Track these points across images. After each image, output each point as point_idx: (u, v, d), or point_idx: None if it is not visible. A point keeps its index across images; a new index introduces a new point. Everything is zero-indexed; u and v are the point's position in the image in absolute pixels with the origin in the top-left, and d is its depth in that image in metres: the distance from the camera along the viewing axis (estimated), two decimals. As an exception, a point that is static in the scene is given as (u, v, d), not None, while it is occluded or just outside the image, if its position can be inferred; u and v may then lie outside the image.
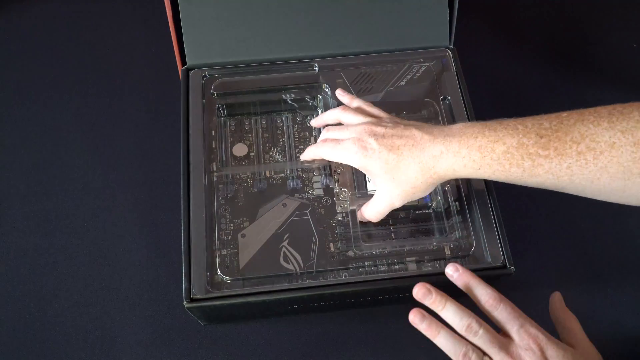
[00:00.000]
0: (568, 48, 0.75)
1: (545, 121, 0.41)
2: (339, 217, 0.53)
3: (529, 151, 0.40)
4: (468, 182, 0.54)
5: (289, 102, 0.60)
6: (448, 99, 0.58)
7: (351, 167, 0.55)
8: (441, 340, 0.39)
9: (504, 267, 0.49)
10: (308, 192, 0.55)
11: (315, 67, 0.59)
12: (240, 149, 0.57)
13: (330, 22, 0.58)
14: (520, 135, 0.41)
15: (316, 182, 0.55)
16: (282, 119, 0.59)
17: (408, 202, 0.50)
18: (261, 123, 0.59)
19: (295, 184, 0.55)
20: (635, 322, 0.57)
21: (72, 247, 0.59)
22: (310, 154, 0.53)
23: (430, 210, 0.55)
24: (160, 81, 0.69)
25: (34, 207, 0.62)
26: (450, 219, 0.55)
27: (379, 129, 0.46)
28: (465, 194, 0.54)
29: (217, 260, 0.52)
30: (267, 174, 0.56)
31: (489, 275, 0.50)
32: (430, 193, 0.55)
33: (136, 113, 0.68)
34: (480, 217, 0.52)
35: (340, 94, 0.55)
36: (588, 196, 0.43)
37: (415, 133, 0.45)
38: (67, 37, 0.73)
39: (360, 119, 0.50)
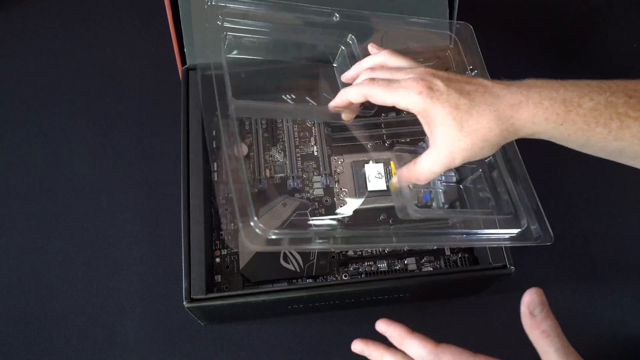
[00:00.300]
0: (568, 48, 0.75)
1: (630, 84, 0.38)
2: (339, 217, 0.53)
3: (618, 110, 0.36)
4: (468, 180, 0.53)
5: (289, 101, 0.60)
6: (475, 71, 0.54)
7: (351, 166, 0.55)
8: None
9: (504, 267, 0.49)
10: (308, 192, 0.55)
11: (336, 16, 0.53)
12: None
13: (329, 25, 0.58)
14: (608, 94, 0.37)
15: (316, 182, 0.55)
16: (282, 119, 0.59)
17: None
18: (261, 123, 0.59)
19: (295, 184, 0.55)
20: (635, 322, 0.57)
21: (72, 247, 0.59)
22: (348, 95, 0.44)
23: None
24: (160, 81, 0.69)
25: (34, 207, 0.62)
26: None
27: (442, 73, 0.40)
28: (465, 194, 0.54)
29: (217, 260, 0.52)
30: (267, 174, 0.56)
31: (489, 275, 0.50)
32: (431, 192, 0.55)
33: (136, 113, 0.68)
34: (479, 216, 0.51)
35: (373, 46, 0.48)
36: None
37: (485, 81, 0.39)
38: (67, 37, 0.73)
39: (414, 63, 0.43)
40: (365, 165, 0.56)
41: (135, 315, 0.56)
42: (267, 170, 0.56)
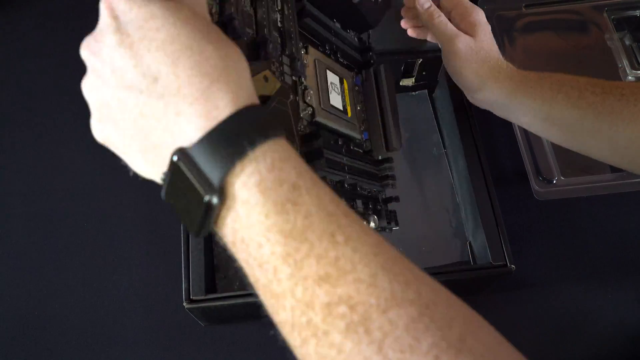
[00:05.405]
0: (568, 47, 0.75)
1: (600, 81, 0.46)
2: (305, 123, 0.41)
3: (579, 85, 0.45)
4: (469, 180, 0.54)
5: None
6: None
7: (314, 64, 0.44)
8: None
9: (504, 265, 0.49)
10: (276, 72, 0.38)
11: None
12: None
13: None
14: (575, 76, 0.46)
15: (285, 64, 0.39)
16: None
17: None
18: None
19: (272, 48, 0.36)
20: (635, 322, 0.57)
21: (72, 247, 0.59)
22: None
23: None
24: (160, 81, 0.69)
25: (34, 207, 0.62)
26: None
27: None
28: (466, 193, 0.54)
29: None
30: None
31: (489, 274, 0.50)
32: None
33: (136, 113, 0.68)
34: (481, 216, 0.51)
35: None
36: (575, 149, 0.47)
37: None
38: (67, 37, 0.73)
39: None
40: (328, 71, 0.44)
41: (135, 315, 0.56)
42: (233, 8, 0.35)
